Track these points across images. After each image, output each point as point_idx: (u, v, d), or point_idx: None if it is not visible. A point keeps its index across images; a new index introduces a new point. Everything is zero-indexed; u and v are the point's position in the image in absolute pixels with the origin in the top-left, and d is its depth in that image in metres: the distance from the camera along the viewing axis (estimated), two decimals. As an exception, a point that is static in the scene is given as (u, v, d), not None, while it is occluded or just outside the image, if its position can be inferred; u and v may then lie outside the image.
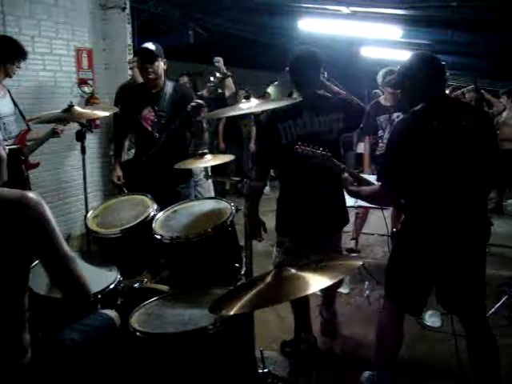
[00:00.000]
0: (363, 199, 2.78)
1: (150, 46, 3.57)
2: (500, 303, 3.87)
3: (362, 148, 5.58)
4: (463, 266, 2.48)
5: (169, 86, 3.68)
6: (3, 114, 3.84)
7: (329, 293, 3.47)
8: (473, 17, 5.65)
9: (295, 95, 3.08)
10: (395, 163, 2.46)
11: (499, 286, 4.14)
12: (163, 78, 3.67)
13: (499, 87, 12.97)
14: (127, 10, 5.61)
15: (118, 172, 3.76)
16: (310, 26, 6.41)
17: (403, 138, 2.44)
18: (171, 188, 3.61)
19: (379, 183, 2.53)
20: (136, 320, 2.18)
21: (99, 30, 5.51)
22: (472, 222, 2.47)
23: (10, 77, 3.93)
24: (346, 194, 2.87)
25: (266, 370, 2.49)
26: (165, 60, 3.65)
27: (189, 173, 3.78)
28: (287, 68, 3.03)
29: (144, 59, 3.59)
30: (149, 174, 3.57)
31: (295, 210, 2.99)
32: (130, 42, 5.69)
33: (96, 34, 5.47)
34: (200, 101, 3.44)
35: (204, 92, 3.46)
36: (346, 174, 2.70)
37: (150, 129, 3.65)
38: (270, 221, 3.05)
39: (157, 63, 3.56)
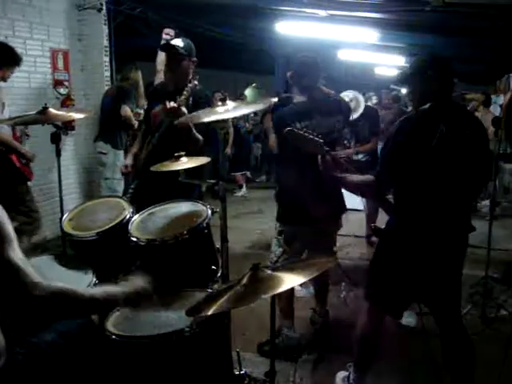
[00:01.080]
0: (348, 187, 2.84)
1: (179, 42, 3.41)
2: (473, 303, 3.94)
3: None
4: (446, 269, 2.54)
5: (191, 86, 3.39)
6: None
7: (321, 286, 3.66)
8: (446, 21, 5.73)
9: (299, 99, 3.28)
10: (395, 159, 2.50)
11: (472, 286, 4.22)
12: (187, 78, 3.47)
13: (473, 90, 13.22)
14: (103, 11, 5.58)
15: (128, 160, 3.76)
16: (288, 29, 6.44)
17: (408, 136, 2.47)
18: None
19: (376, 177, 2.60)
20: (111, 323, 2.16)
21: (75, 31, 5.48)
22: (458, 226, 2.53)
23: (5, 81, 3.95)
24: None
25: (242, 372, 2.50)
26: (194, 59, 3.50)
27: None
28: (289, 74, 3.35)
29: (170, 58, 3.42)
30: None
31: (294, 201, 3.23)
32: (106, 43, 5.66)
33: (72, 34, 5.44)
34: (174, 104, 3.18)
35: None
36: (327, 158, 2.75)
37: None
38: (246, 222, 3.07)
39: (184, 62, 3.40)
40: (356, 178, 2.71)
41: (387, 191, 2.67)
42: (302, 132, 2.71)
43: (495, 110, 11.54)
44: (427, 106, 2.51)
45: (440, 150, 2.38)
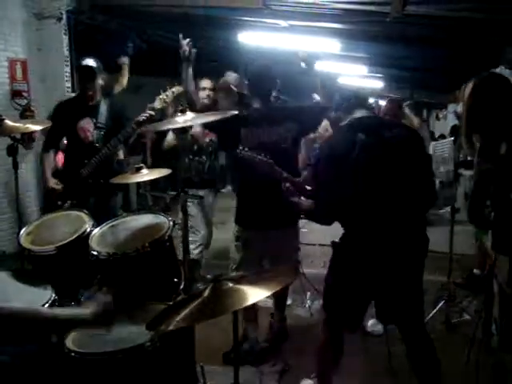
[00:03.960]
0: (303, 214, 2.86)
1: (91, 62, 3.73)
2: (437, 309, 4.00)
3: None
4: (400, 281, 2.53)
5: (105, 99, 3.86)
6: None
7: (280, 297, 3.64)
8: (406, 32, 5.83)
9: (255, 105, 3.30)
10: (326, 181, 2.53)
11: (436, 291, 4.28)
12: (99, 91, 3.85)
13: (435, 100, 13.53)
14: (63, 21, 5.49)
15: (53, 184, 3.77)
16: (250, 39, 6.46)
17: (331, 153, 2.53)
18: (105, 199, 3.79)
19: (315, 202, 2.61)
20: (71, 339, 2.11)
21: (34, 41, 5.37)
22: (407, 236, 2.52)
23: None
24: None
25: (207, 385, 2.47)
26: (103, 76, 3.85)
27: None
28: (246, 82, 3.39)
29: (85, 77, 3.75)
30: (87, 184, 3.69)
31: (250, 205, 3.30)
32: (67, 53, 5.57)
33: (31, 44, 5.33)
34: (152, 112, 3.49)
35: (156, 104, 3.47)
36: (287, 184, 2.78)
37: (90, 138, 3.75)
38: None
39: (96, 80, 3.75)
40: (306, 203, 2.72)
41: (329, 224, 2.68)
42: (249, 153, 2.79)
43: (453, 118, 11.84)
44: (344, 123, 2.62)
45: (364, 159, 2.42)
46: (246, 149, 2.85)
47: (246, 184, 3.37)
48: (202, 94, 4.12)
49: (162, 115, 4.01)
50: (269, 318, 3.81)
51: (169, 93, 3.44)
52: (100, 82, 3.81)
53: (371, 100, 8.34)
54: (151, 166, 6.97)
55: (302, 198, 2.76)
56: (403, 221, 2.49)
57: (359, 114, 2.61)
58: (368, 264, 2.48)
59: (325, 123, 4.35)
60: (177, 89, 3.44)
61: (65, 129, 3.80)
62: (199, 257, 4.39)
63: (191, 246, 4.24)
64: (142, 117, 3.50)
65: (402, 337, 2.70)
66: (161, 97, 3.46)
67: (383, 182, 2.44)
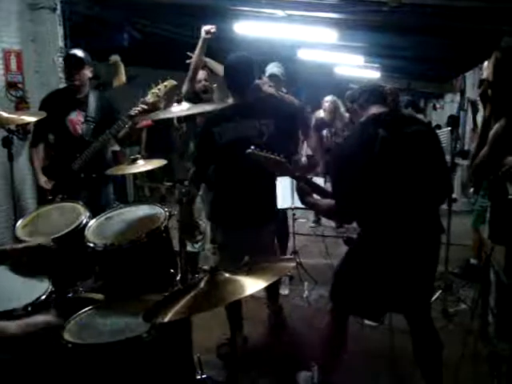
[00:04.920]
0: (320, 214, 2.80)
1: (79, 53, 3.70)
2: (434, 298, 4.01)
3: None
4: (420, 272, 2.54)
5: (93, 92, 3.83)
6: None
7: (271, 289, 3.59)
8: (404, 21, 5.80)
9: (230, 100, 3.16)
10: (347, 178, 2.48)
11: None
12: (88, 84, 3.82)
13: (432, 89, 13.49)
14: (58, 11, 5.42)
15: (44, 184, 3.70)
16: (246, 29, 6.42)
17: (351, 149, 2.50)
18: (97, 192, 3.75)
19: (334, 202, 2.54)
20: (68, 331, 2.12)
21: (28, 32, 5.30)
22: (424, 228, 2.52)
23: None
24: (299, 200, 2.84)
25: (204, 376, 2.47)
26: (91, 69, 3.80)
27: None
28: (222, 74, 3.20)
29: (72, 66, 3.70)
30: (79, 178, 3.65)
31: (227, 201, 3.16)
32: (61, 44, 5.52)
33: (25, 35, 5.26)
34: (145, 106, 3.44)
35: (148, 98, 3.44)
36: (301, 183, 2.71)
37: (80, 132, 3.70)
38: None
39: (84, 70, 3.70)
40: (323, 203, 2.67)
41: (350, 221, 2.64)
42: (262, 153, 2.64)
43: (452, 108, 11.82)
44: (364, 117, 2.58)
45: (385, 155, 2.40)
46: (258, 148, 2.67)
47: (224, 182, 3.21)
48: (199, 86, 4.09)
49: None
50: (265, 309, 3.81)
51: (161, 86, 3.40)
52: (89, 74, 3.77)
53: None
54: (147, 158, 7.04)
55: (316, 196, 2.72)
56: (423, 214, 2.51)
57: (376, 109, 2.58)
58: (389, 256, 2.47)
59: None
60: (169, 82, 3.40)
61: (53, 122, 3.71)
62: (199, 250, 4.38)
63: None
64: (135, 110, 3.47)
65: (410, 327, 2.71)
66: (153, 90, 3.42)
67: (404, 177, 2.44)
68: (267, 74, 4.57)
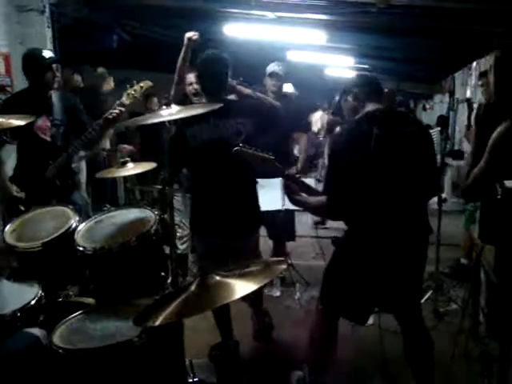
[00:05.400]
0: (309, 211, 2.77)
1: (46, 53, 3.60)
2: (425, 298, 4.02)
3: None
4: (408, 272, 2.56)
5: (55, 93, 3.63)
6: None
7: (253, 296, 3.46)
8: (392, 23, 5.83)
9: (203, 100, 3.14)
10: (339, 175, 2.48)
11: (424, 281, 4.30)
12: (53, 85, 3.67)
13: (422, 90, 13.55)
14: (46, 13, 5.40)
15: (13, 186, 3.47)
16: (236, 31, 6.42)
17: (345, 146, 2.49)
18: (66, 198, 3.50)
19: (325, 197, 2.53)
20: (58, 336, 2.10)
21: (16, 34, 5.27)
22: (414, 228, 2.53)
23: None
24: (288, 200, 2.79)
25: (196, 379, 2.46)
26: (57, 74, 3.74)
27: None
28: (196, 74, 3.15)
29: (47, 67, 3.54)
30: (54, 186, 3.49)
31: (205, 209, 3.05)
32: (50, 46, 5.49)
33: (13, 38, 5.23)
34: (122, 108, 3.35)
35: (124, 99, 3.35)
36: (288, 181, 2.68)
37: (48, 139, 3.52)
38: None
39: (48, 73, 3.54)
40: (312, 200, 2.65)
41: (340, 217, 2.62)
42: (250, 151, 2.58)
43: (441, 108, 11.88)
44: (359, 115, 2.58)
45: (379, 153, 2.40)
46: (245, 147, 2.59)
47: (202, 186, 3.10)
48: (190, 89, 4.04)
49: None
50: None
51: (137, 87, 3.31)
52: (56, 74, 3.66)
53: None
54: (140, 161, 7.03)
55: (304, 195, 2.69)
56: (412, 214, 2.52)
57: (372, 106, 2.57)
58: (378, 255, 2.47)
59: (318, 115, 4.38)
60: (145, 83, 3.34)
61: (19, 128, 3.24)
62: (187, 251, 4.37)
63: (178, 242, 4.24)
64: (113, 114, 3.35)
65: (401, 327, 2.72)
66: (128, 92, 3.32)
67: (396, 176, 2.44)
68: (268, 73, 4.57)
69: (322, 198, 2.56)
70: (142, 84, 3.32)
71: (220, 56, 3.07)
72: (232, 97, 3.27)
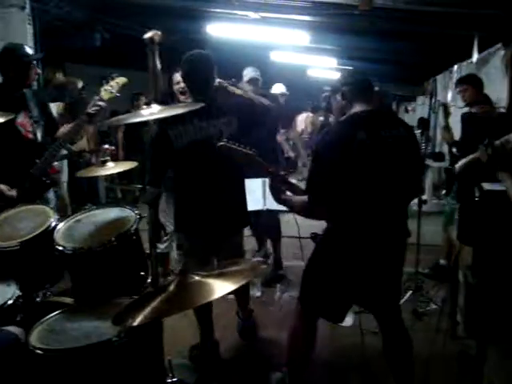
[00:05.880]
0: (294, 211, 2.74)
1: (30, 50, 3.57)
2: (405, 299, 4.06)
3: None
4: (387, 272, 2.57)
5: (27, 91, 3.56)
6: None
7: (240, 294, 3.53)
8: (376, 25, 5.87)
9: (189, 100, 3.12)
10: (322, 174, 2.46)
11: (404, 282, 4.34)
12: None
13: (404, 92, 13.66)
14: (27, 10, 5.33)
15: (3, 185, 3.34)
16: (219, 31, 6.42)
17: (329, 148, 2.46)
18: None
19: (307, 197, 2.51)
20: (36, 337, 2.08)
21: (-4, 31, 5.21)
22: (395, 230, 2.55)
23: None
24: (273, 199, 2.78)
25: (175, 379, 2.45)
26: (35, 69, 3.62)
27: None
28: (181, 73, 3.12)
29: (27, 64, 3.46)
30: (42, 184, 3.44)
31: (191, 208, 3.06)
32: (31, 43, 5.43)
33: (-7, 34, 5.17)
34: (102, 103, 3.31)
35: (102, 94, 3.31)
36: (274, 180, 2.65)
37: (30, 135, 3.46)
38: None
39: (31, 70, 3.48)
40: (298, 199, 2.62)
41: (323, 216, 2.62)
42: (234, 146, 2.57)
43: (423, 110, 11.97)
44: (345, 116, 2.56)
45: (362, 158, 2.39)
46: (230, 141, 2.57)
47: (186, 186, 3.11)
48: (177, 88, 4.01)
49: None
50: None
51: (113, 83, 3.29)
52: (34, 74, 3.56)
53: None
54: (123, 159, 6.99)
55: (289, 193, 2.68)
56: (393, 216, 2.53)
57: (359, 107, 2.54)
58: (359, 255, 2.48)
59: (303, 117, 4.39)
60: (120, 79, 3.32)
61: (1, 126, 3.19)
62: (168, 250, 4.36)
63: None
64: (93, 109, 3.31)
65: (380, 327, 2.74)
66: (105, 88, 3.29)
67: (378, 180, 2.44)
68: (246, 79, 4.58)
69: (305, 198, 2.57)
70: (117, 80, 3.31)
71: (204, 55, 3.07)
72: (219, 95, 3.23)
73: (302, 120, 10.09)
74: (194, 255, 3.10)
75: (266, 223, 4.29)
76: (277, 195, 2.67)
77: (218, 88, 3.17)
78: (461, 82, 4.70)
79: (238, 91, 3.34)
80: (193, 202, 3.06)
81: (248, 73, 4.65)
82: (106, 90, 3.29)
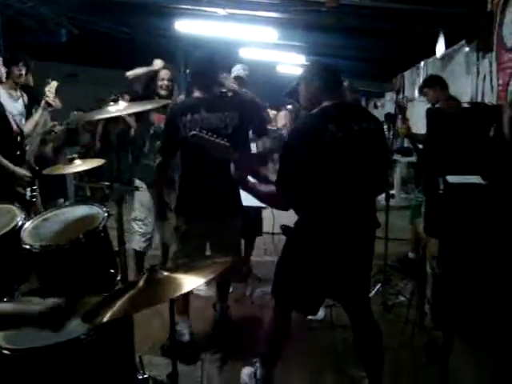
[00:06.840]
0: (260, 199, 2.75)
1: None
2: (374, 291, 4.12)
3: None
4: (357, 264, 2.61)
5: None
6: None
7: (222, 283, 3.68)
8: (343, 21, 5.92)
9: (196, 94, 3.30)
10: (292, 166, 2.47)
11: (373, 275, 4.41)
12: None
13: (372, 88, 13.81)
14: (-12, 4, 5.23)
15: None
16: (188, 28, 6.40)
17: (300, 140, 2.49)
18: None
19: (276, 186, 2.52)
20: (2, 336, 2.05)
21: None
22: (364, 222, 2.59)
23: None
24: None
25: (145, 376, 2.45)
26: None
27: None
28: (188, 71, 3.44)
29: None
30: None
31: (192, 192, 3.29)
32: (-6, 39, 5.33)
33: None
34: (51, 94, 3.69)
35: (46, 89, 3.66)
36: (239, 171, 2.61)
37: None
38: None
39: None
40: (264, 188, 2.62)
41: (291, 206, 2.64)
42: (206, 136, 2.56)
43: (392, 106, 12.14)
44: (316, 109, 2.58)
45: (333, 150, 2.42)
46: (204, 131, 2.60)
47: (188, 171, 3.33)
48: (160, 84, 4.14)
49: None
50: (209, 307, 3.85)
51: (51, 87, 3.65)
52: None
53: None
54: (99, 152, 6.96)
55: (257, 182, 2.67)
56: (362, 208, 2.57)
57: (328, 100, 2.57)
58: (328, 247, 2.51)
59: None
60: (52, 83, 3.65)
61: None
62: (146, 249, 4.30)
63: (141, 239, 4.20)
64: (47, 97, 3.66)
65: (350, 319, 2.78)
66: (48, 88, 3.65)
67: (348, 172, 2.47)
68: (233, 75, 4.66)
69: (274, 188, 2.58)
70: (51, 85, 3.66)
71: (211, 55, 3.40)
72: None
73: (283, 116, 10.17)
74: (189, 239, 3.27)
75: (250, 220, 4.31)
76: (239, 183, 2.67)
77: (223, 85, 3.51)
78: (424, 86, 4.87)
79: (234, 86, 3.61)
80: (195, 186, 3.27)
81: (236, 70, 4.76)
82: (49, 90, 3.61)
